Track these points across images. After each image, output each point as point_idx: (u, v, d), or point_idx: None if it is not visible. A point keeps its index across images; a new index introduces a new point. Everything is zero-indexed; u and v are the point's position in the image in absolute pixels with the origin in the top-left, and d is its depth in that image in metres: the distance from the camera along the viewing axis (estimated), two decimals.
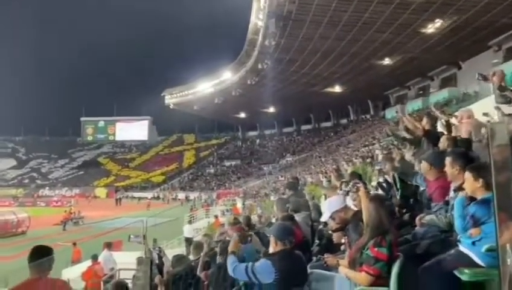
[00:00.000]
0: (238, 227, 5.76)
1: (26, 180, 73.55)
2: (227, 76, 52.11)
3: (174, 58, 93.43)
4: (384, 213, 3.12)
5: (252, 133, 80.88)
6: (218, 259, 4.67)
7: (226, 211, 22.92)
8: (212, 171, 69.86)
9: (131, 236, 4.83)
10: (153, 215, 13.89)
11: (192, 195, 55.58)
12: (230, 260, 3.27)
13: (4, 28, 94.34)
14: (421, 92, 42.12)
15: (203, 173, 70.22)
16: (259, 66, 41.30)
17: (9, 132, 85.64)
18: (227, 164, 71.19)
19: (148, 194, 60.24)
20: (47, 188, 69.50)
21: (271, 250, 3.35)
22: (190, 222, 21.12)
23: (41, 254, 3.13)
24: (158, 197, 59.56)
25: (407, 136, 6.65)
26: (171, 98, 67.50)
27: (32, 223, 28.95)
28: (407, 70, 37.68)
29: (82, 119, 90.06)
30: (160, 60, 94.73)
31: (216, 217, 18.75)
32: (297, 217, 5.55)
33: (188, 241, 16.25)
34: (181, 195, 57.73)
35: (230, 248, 3.45)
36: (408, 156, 6.12)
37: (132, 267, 10.46)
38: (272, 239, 3.32)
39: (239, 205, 28.45)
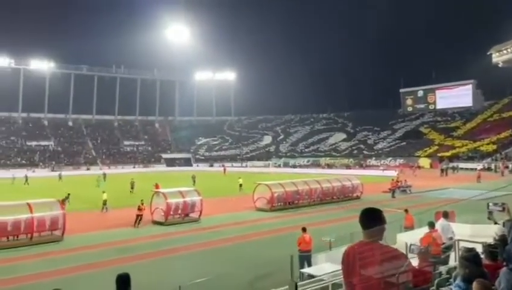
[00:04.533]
0: None
1: (355, 151, 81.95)
2: None
3: (503, 7, 79.76)
4: None
5: None
6: None
7: None
8: None
9: (490, 204, 4.41)
10: (495, 189, 12.46)
11: None
12: None
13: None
14: None
15: None
16: None
17: (339, 109, 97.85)
18: None
19: (477, 165, 55.06)
20: (373, 158, 75.21)
21: None
22: None
23: (375, 223, 3.17)
24: (489, 168, 53.58)
25: None
26: (500, 56, 58.76)
27: (364, 190, 31.95)
28: None
29: (401, 90, 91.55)
30: (486, 14, 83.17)
31: None
32: None
33: None
34: None
35: None
36: None
37: (471, 240, 9.86)
38: None
39: None
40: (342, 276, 3.43)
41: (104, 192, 27.59)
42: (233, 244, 17.48)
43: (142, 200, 22.27)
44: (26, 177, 50.11)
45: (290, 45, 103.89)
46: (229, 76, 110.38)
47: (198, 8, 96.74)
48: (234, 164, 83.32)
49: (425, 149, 71.20)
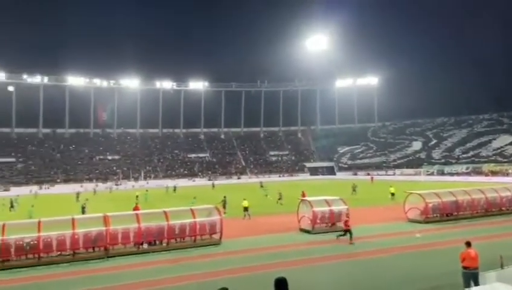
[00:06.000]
0: None
1: None
2: None
3: None
4: None
5: None
6: None
7: None
8: None
9: None
10: None
11: None
12: None
13: None
14: None
15: None
16: None
17: (504, 107, 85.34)
18: None
19: None
20: None
21: None
22: None
23: None
24: None
25: None
26: None
27: None
28: None
29: None
30: None
31: None
32: None
33: None
34: None
35: None
36: None
37: None
38: None
39: None
40: None
41: (244, 199, 29.09)
42: (384, 257, 16.56)
43: (347, 215, 21.18)
44: (175, 187, 57.25)
45: (437, 40, 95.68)
46: (371, 81, 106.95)
47: (336, 16, 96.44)
48: (379, 172, 79.79)
49: None
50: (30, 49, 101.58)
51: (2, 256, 16.26)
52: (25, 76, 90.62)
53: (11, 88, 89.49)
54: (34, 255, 16.82)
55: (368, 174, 75.25)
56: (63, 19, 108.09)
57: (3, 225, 16.60)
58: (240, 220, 27.11)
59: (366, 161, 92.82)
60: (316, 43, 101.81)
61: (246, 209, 28.14)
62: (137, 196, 44.60)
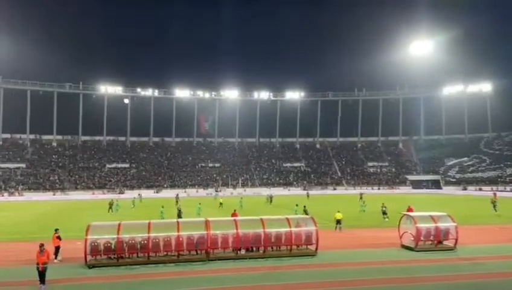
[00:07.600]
0: None
1: None
2: None
3: None
4: None
5: None
6: None
7: None
8: None
9: None
10: None
11: None
12: None
13: None
14: None
15: None
16: None
17: None
18: None
19: None
20: None
21: None
22: None
23: None
24: None
25: None
26: None
27: None
28: None
29: None
30: None
31: None
32: None
33: None
34: None
35: None
36: None
37: None
38: None
39: None
40: None
41: (338, 211, 28.24)
42: (501, 281, 14.80)
43: None
44: (271, 197, 57.24)
45: None
46: (483, 87, 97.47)
47: (443, 18, 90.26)
48: (493, 188, 71.91)
49: None
50: (143, 65, 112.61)
51: (117, 253, 17.96)
52: (138, 89, 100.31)
53: (126, 101, 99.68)
54: (144, 253, 18.29)
55: (480, 189, 68.36)
56: (169, 38, 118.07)
57: (119, 225, 18.34)
58: (333, 232, 26.46)
59: (478, 174, 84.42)
60: (420, 47, 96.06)
61: (338, 221, 27.37)
62: (221, 203, 46.66)
